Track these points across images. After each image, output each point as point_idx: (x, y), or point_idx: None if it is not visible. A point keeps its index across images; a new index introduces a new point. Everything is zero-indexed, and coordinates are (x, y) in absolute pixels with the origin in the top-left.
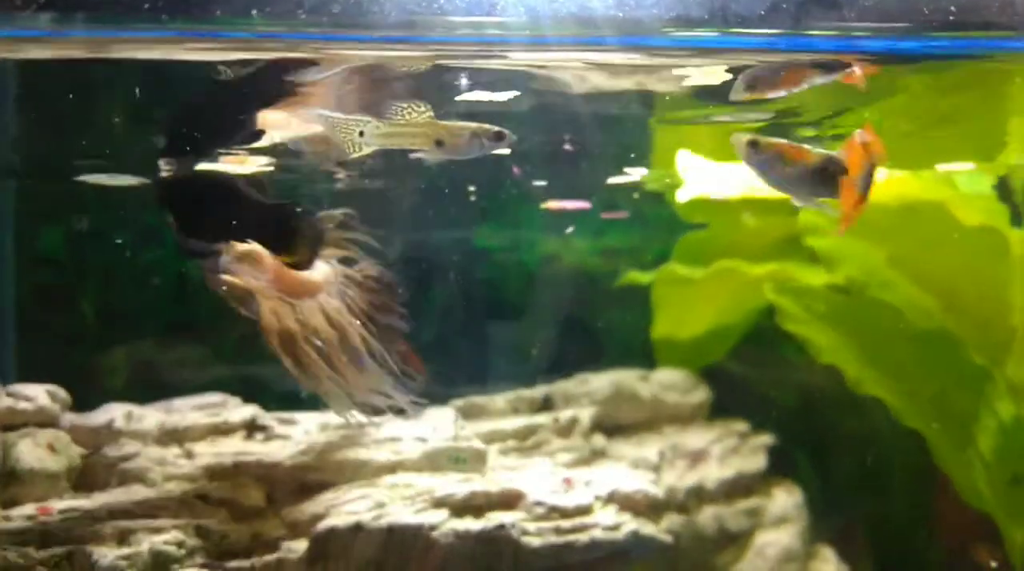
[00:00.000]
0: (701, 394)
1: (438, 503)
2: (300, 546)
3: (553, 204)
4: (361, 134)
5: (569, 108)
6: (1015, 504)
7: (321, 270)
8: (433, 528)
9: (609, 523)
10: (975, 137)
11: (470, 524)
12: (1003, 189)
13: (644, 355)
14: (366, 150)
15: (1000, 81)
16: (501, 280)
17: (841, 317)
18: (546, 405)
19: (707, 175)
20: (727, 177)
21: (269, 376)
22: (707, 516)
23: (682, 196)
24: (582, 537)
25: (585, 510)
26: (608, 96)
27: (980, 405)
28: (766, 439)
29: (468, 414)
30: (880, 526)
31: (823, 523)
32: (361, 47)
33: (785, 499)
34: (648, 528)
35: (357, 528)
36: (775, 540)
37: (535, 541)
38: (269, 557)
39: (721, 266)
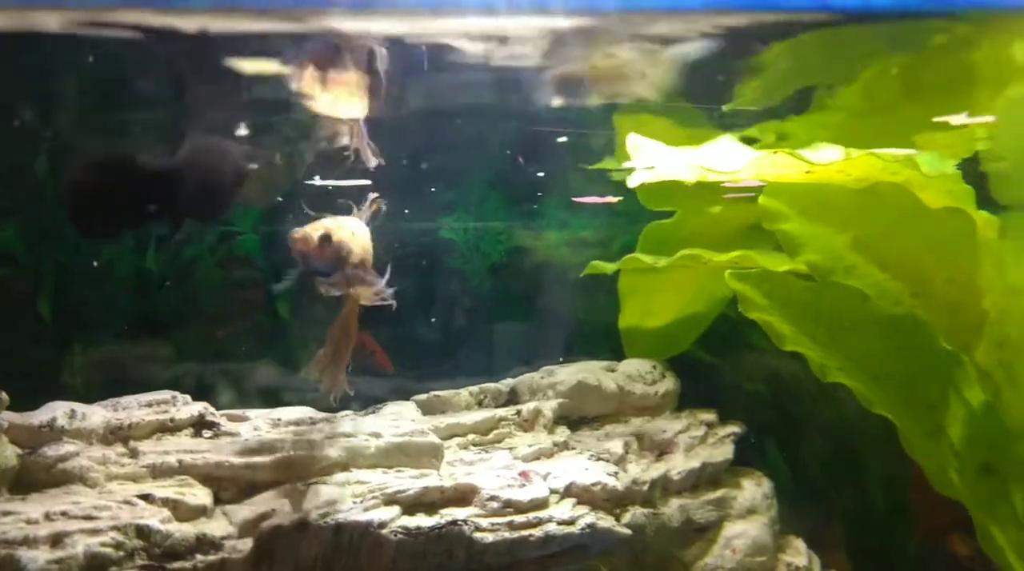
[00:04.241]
0: (668, 384)
1: (389, 500)
2: (245, 546)
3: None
4: None
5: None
6: (985, 493)
7: None
8: (383, 526)
9: (564, 517)
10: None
11: (421, 521)
12: (967, 169)
13: (612, 345)
14: None
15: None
16: (465, 271)
17: (804, 303)
18: (512, 398)
19: (661, 158)
20: (680, 161)
21: (234, 373)
22: (673, 508)
23: (633, 182)
24: (536, 532)
25: (540, 504)
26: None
27: (950, 392)
28: (734, 429)
29: (431, 408)
30: (854, 516)
31: (794, 514)
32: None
33: (754, 490)
34: (606, 521)
35: (303, 526)
36: (743, 531)
37: (488, 537)
38: (212, 557)
39: (685, 254)
